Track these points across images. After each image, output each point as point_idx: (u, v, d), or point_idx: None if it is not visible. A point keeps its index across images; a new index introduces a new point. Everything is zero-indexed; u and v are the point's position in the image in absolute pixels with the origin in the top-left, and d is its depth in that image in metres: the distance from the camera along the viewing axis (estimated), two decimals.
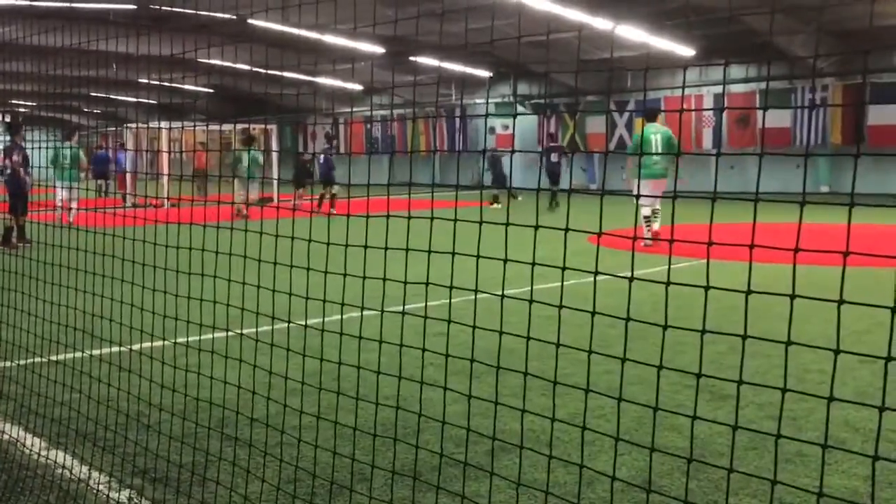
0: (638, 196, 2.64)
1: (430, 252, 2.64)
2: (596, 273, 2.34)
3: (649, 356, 2.30)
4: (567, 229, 2.32)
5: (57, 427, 4.32)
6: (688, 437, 4.15)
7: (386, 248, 2.74)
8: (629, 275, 2.21)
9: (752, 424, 4.18)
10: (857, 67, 25.30)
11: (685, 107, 29.41)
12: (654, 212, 12.86)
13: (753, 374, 4.98)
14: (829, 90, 26.98)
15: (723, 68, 27.62)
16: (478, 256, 2.56)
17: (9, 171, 13.65)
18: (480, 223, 2.67)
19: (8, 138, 13.96)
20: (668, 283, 2.10)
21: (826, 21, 22.04)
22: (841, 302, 1.76)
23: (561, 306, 2.36)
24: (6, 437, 4.32)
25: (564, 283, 2.47)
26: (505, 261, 2.56)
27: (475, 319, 2.52)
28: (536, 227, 2.48)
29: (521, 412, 2.47)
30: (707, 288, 2.07)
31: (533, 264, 2.43)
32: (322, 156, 22.44)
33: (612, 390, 2.55)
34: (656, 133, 13.17)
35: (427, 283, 2.66)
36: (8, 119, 14.58)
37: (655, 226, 12.92)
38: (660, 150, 12.75)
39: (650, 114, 13.92)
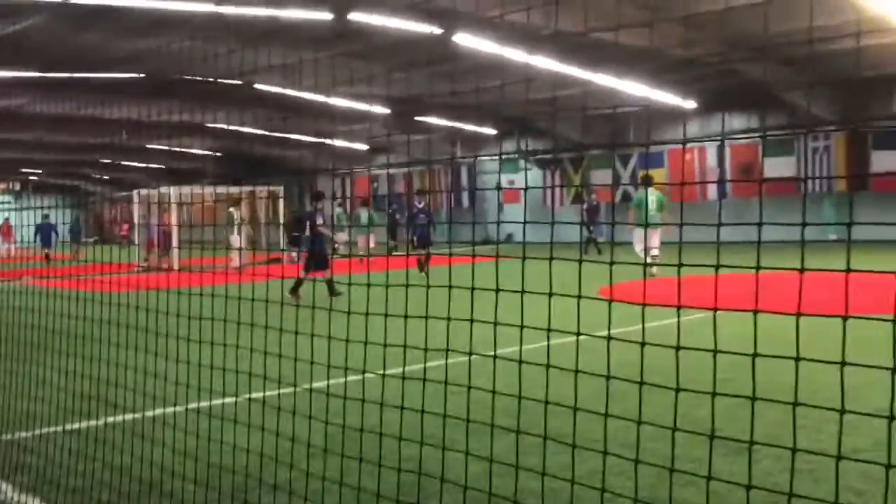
0: (646, 249, 2.70)
1: (448, 319, 2.68)
2: (609, 336, 2.39)
3: (667, 409, 2.32)
4: (579, 296, 2.37)
5: (73, 497, 4.32)
6: (705, 491, 4.12)
7: (405, 316, 2.78)
8: (641, 327, 2.25)
9: (769, 477, 4.15)
10: (859, 117, 25.52)
11: (688, 157, 29.69)
12: (653, 257, 15.93)
13: (771, 423, 4.96)
14: (831, 138, 27.17)
15: (726, 119, 27.89)
16: (495, 323, 2.60)
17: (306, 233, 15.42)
18: (497, 289, 2.71)
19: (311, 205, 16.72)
20: (677, 348, 2.15)
21: (823, 72, 22.33)
22: (843, 364, 1.80)
23: (577, 371, 2.40)
24: None
25: (580, 337, 2.51)
26: (521, 327, 2.60)
27: (494, 379, 2.56)
28: (550, 293, 2.53)
29: (541, 474, 2.49)
30: (715, 352, 2.11)
31: (548, 329, 2.47)
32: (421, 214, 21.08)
33: (630, 445, 2.56)
34: (651, 195, 17.18)
35: (447, 350, 2.71)
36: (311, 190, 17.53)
37: (655, 270, 15.09)
38: (653, 209, 16.83)
39: (647, 181, 18.19)
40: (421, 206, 19.75)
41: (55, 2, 13.93)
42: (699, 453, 4.82)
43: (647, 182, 17.96)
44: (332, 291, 12.10)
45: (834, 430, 2.07)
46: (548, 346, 2.52)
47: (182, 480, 4.01)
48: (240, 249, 19.95)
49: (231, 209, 23.00)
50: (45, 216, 26.85)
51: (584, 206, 26.03)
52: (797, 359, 1.91)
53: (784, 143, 27.63)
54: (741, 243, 2.21)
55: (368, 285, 3.08)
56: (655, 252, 16.26)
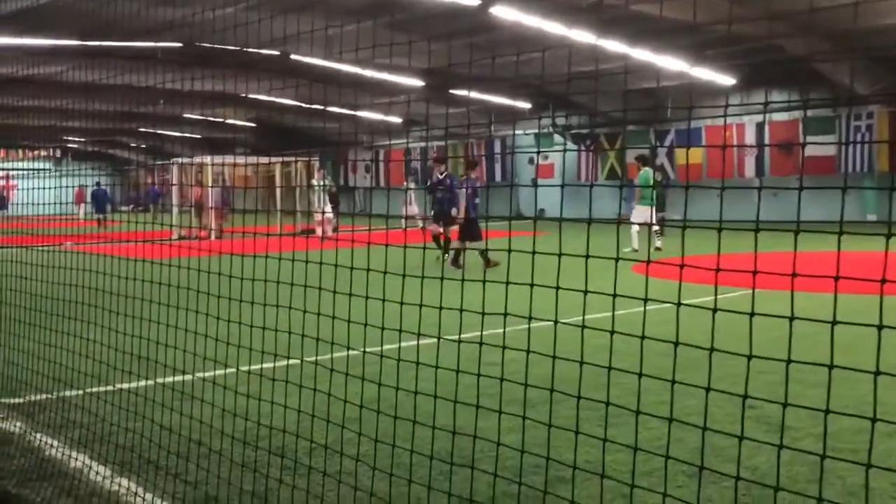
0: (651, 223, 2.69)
1: (484, 282, 2.72)
2: (646, 300, 2.41)
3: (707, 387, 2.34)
4: (617, 258, 2.39)
5: (122, 453, 4.45)
6: (746, 468, 4.14)
7: (441, 279, 2.83)
8: (684, 303, 2.27)
9: (809, 458, 4.16)
10: None
11: (726, 135, 29.30)
12: (655, 232, 17.27)
13: (812, 404, 4.95)
14: (874, 117, 26.67)
15: (764, 96, 27.45)
16: (532, 285, 2.64)
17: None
18: (533, 254, 2.74)
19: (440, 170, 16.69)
20: (714, 310, 2.16)
21: (871, 47, 21.86)
22: (881, 327, 1.81)
23: (613, 331, 2.43)
24: (76, 463, 4.47)
25: (610, 314, 2.53)
26: (557, 288, 2.63)
27: (529, 345, 2.59)
28: (587, 257, 2.56)
29: (574, 443, 2.53)
30: (752, 315, 2.13)
31: (585, 292, 2.50)
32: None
33: (667, 422, 2.59)
34: (651, 172, 18.82)
35: (483, 313, 2.75)
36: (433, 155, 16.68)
37: (659, 242, 17.15)
38: (654, 186, 18.46)
39: (644, 158, 19.45)
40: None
41: None
42: (739, 430, 4.87)
43: (646, 160, 19.30)
44: (488, 262, 11.88)
45: (879, 411, 2.09)
46: (583, 318, 2.55)
47: (231, 440, 4.11)
48: (323, 216, 19.99)
49: (315, 180, 23.15)
50: (98, 183, 27.35)
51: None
52: (833, 322, 1.92)
53: (825, 121, 27.16)
54: (775, 225, 2.22)
55: (424, 246, 3.12)
56: (656, 228, 17.63)
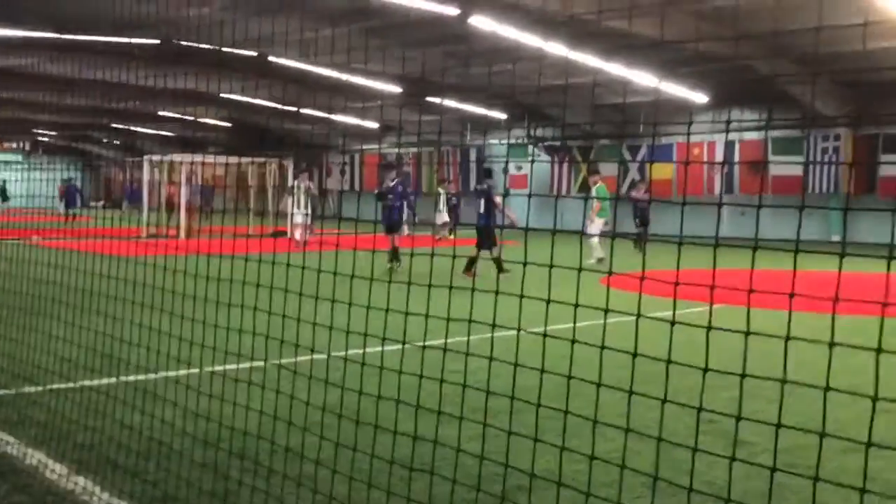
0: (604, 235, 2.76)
1: (450, 289, 2.75)
2: (606, 311, 2.45)
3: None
4: (579, 268, 2.44)
5: (81, 452, 4.41)
6: (704, 482, 4.20)
7: (409, 283, 2.86)
8: (646, 315, 2.32)
9: (765, 472, 4.23)
10: (869, 118, 25.48)
11: (696, 151, 29.65)
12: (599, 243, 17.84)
13: (771, 419, 5.04)
14: (840, 140, 27.12)
15: (736, 115, 27.79)
16: (496, 293, 2.67)
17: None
18: (498, 262, 2.77)
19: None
20: (672, 323, 2.21)
21: (837, 70, 22.26)
22: (833, 344, 1.86)
23: (574, 341, 2.47)
24: (31, 461, 4.42)
25: (578, 324, 2.57)
26: (521, 297, 2.67)
27: (491, 353, 2.62)
28: (551, 267, 2.60)
29: (532, 450, 2.56)
30: (708, 329, 2.18)
31: (548, 301, 2.53)
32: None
33: (630, 433, 2.63)
34: (605, 186, 19.98)
35: (448, 319, 2.77)
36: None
37: (601, 253, 17.45)
38: (605, 203, 18.36)
39: (597, 171, 19.95)
40: (393, 183, 15.84)
41: None
42: (699, 444, 4.94)
43: (596, 171, 20.09)
44: (501, 269, 11.67)
45: (832, 428, 2.13)
46: (545, 328, 2.59)
47: (192, 440, 4.10)
48: (307, 221, 19.77)
49: (297, 182, 22.80)
50: (69, 178, 27.06)
51: (634, 196, 23.08)
52: (787, 338, 1.97)
53: (794, 142, 27.57)
54: (736, 241, 2.28)
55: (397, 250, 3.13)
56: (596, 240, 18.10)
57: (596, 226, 18.82)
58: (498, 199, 15.37)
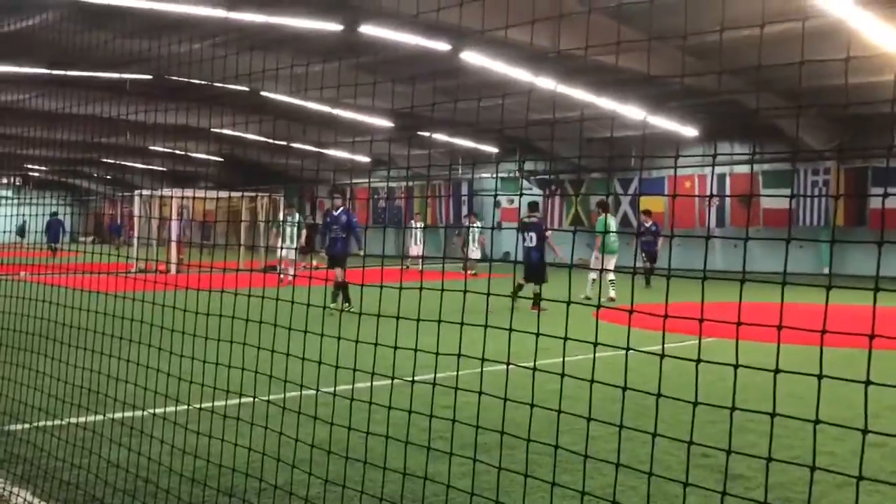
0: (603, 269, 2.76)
1: (439, 322, 2.73)
2: (595, 345, 2.44)
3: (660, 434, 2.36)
4: (568, 302, 2.43)
5: (67, 490, 4.34)
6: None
7: (398, 318, 2.84)
8: (636, 349, 2.30)
9: None
10: (857, 151, 25.73)
11: (688, 185, 29.83)
12: (611, 281, 16.72)
13: (763, 453, 5.01)
14: (830, 173, 27.33)
15: (727, 148, 28.01)
16: (486, 326, 2.66)
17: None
18: (488, 295, 2.77)
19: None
20: (661, 356, 2.20)
21: (822, 104, 22.48)
22: (820, 376, 1.86)
23: (563, 374, 2.45)
24: (18, 500, 4.35)
25: (571, 358, 2.55)
26: (510, 330, 2.65)
27: (481, 388, 2.59)
28: (540, 300, 2.58)
29: (523, 488, 2.53)
30: (698, 362, 2.16)
31: (537, 335, 2.52)
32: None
33: (622, 468, 2.60)
34: (613, 220, 18.19)
35: (437, 354, 2.75)
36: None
37: (612, 293, 16.31)
38: (613, 236, 17.36)
39: (604, 205, 17.99)
40: (337, 213, 14.51)
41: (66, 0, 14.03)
42: (692, 479, 4.90)
43: (605, 206, 17.80)
44: (538, 305, 11.76)
45: (827, 461, 2.11)
46: (534, 362, 2.57)
47: (179, 478, 4.04)
48: (300, 255, 19.36)
49: (287, 214, 22.59)
50: (54, 213, 26.99)
51: (641, 230, 21.20)
52: (776, 371, 1.97)
53: (784, 175, 27.78)
54: (730, 274, 2.28)
55: (382, 286, 3.12)
56: (612, 277, 16.83)
57: (598, 262, 17.29)
58: (549, 232, 15.22)
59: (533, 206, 16.13)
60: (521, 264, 14.52)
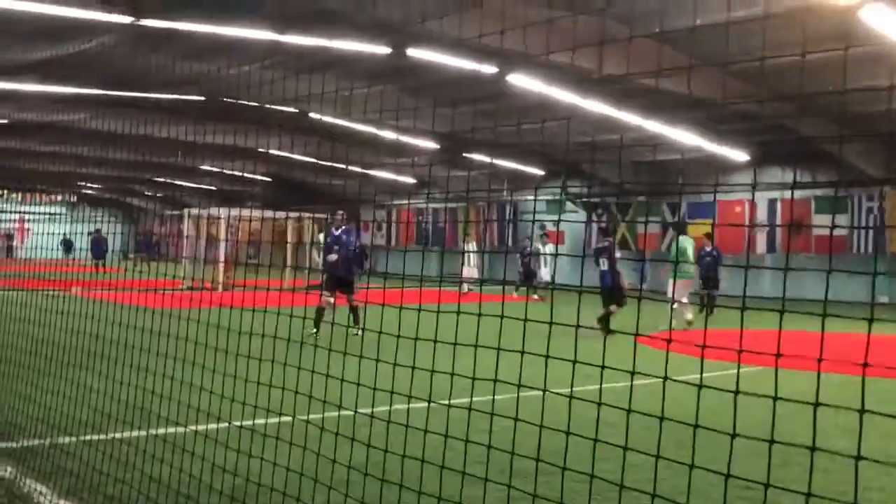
0: (673, 299, 2.74)
1: (476, 346, 2.74)
2: (633, 373, 2.42)
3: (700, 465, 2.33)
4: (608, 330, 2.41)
5: None
6: None
7: (436, 341, 2.85)
8: (679, 378, 2.28)
9: None
10: None
11: (738, 209, 29.42)
12: (684, 305, 16.22)
13: (804, 488, 4.89)
14: (885, 199, 26.74)
15: (777, 173, 27.59)
16: (522, 352, 2.65)
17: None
18: (525, 320, 2.76)
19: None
20: (700, 386, 2.17)
21: (867, 131, 22.04)
22: (862, 411, 1.81)
23: (600, 403, 2.43)
24: None
25: (612, 385, 2.54)
26: (546, 357, 2.64)
27: (517, 413, 2.58)
28: (577, 327, 2.57)
29: None
30: (736, 393, 2.13)
31: (574, 362, 2.50)
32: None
33: (660, 499, 2.57)
34: (689, 243, 17.06)
35: (473, 378, 2.76)
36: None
37: (690, 315, 16.06)
38: (690, 258, 16.83)
39: (682, 228, 18.15)
40: (338, 233, 13.41)
41: (125, 23, 14.42)
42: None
43: (684, 230, 17.39)
44: (607, 327, 11.58)
45: (878, 497, 2.05)
46: (570, 389, 2.56)
47: (219, 495, 4.08)
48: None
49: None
50: (98, 229, 27.54)
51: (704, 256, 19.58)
52: (816, 404, 1.93)
53: (837, 200, 27.26)
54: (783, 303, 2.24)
55: (420, 308, 3.13)
56: (686, 300, 16.43)
57: (678, 290, 15.22)
58: (617, 256, 15.43)
59: (604, 232, 16.32)
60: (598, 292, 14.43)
